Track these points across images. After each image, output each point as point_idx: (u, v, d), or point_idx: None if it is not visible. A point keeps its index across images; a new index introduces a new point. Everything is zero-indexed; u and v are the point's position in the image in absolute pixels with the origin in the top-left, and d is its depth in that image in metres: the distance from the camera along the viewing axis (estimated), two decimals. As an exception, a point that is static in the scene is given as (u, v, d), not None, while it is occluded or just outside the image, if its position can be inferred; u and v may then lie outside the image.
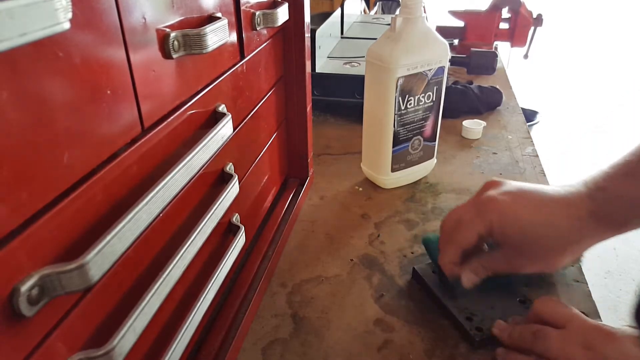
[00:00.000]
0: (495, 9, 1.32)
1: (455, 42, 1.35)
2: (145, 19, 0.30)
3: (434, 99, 0.68)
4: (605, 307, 1.73)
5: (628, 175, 0.42)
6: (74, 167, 0.25)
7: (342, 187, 0.75)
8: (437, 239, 0.53)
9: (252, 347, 0.47)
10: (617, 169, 0.43)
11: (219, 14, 0.39)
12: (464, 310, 0.49)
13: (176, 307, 0.38)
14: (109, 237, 0.25)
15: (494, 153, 0.84)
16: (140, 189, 0.30)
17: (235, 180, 0.43)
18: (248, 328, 0.49)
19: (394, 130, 0.67)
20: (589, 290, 0.53)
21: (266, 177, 0.60)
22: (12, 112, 0.21)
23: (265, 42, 0.53)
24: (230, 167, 0.45)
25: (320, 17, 1.06)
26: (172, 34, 0.32)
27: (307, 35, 0.61)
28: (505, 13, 1.34)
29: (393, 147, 0.69)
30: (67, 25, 0.20)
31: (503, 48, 1.43)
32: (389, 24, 0.70)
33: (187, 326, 0.35)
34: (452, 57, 0.98)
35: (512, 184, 0.47)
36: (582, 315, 0.42)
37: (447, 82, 0.76)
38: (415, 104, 0.67)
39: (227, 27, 0.37)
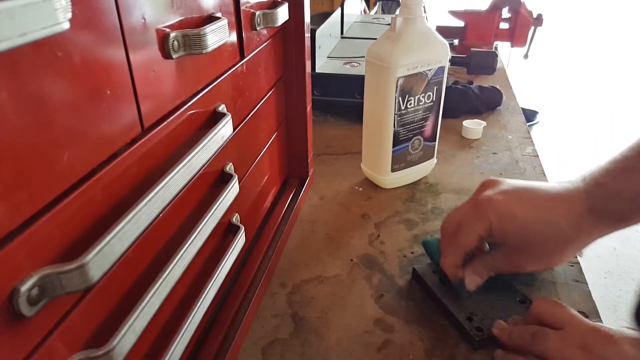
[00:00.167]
0: (495, 9, 1.32)
1: (455, 42, 1.35)
2: (145, 19, 0.30)
3: (434, 99, 0.68)
4: (605, 307, 1.73)
5: (627, 170, 0.42)
6: (74, 167, 0.25)
7: (342, 187, 0.75)
8: (437, 241, 0.53)
9: (252, 347, 0.47)
10: (616, 164, 0.43)
11: (219, 14, 0.39)
12: (464, 310, 0.49)
13: (176, 307, 0.38)
14: (109, 237, 0.25)
15: (494, 153, 0.84)
16: (140, 189, 0.30)
17: (235, 180, 0.43)
18: (248, 328, 0.49)
19: (394, 130, 0.67)
20: (589, 290, 0.53)
21: (266, 177, 0.60)
22: (12, 112, 0.21)
23: (265, 42, 0.53)
24: (230, 167, 0.45)
25: (320, 17, 1.06)
26: (172, 34, 0.32)
27: (307, 35, 0.61)
28: (505, 13, 1.34)
29: (393, 147, 0.69)
30: (66, 25, 0.20)
31: (503, 48, 1.43)
32: (389, 24, 0.70)
33: (187, 326, 0.35)
34: (452, 57, 0.98)
35: (509, 183, 0.47)
36: (581, 316, 0.42)
37: (447, 82, 0.76)
38: (415, 104, 0.67)
39: (227, 27, 0.37)
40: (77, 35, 0.24)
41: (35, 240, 0.22)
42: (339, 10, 1.18)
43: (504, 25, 1.35)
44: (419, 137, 0.71)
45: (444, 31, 1.34)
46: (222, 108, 0.42)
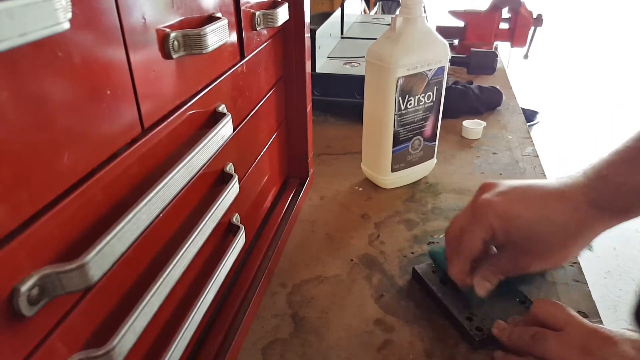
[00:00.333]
0: (495, 9, 1.32)
1: (455, 42, 1.35)
2: (145, 19, 0.30)
3: (434, 99, 0.68)
4: (605, 307, 1.73)
5: (630, 161, 0.41)
6: (74, 167, 0.25)
7: (342, 187, 0.75)
8: (443, 250, 0.52)
9: (252, 347, 0.47)
10: (618, 155, 0.42)
11: (219, 14, 0.39)
12: (464, 310, 0.49)
13: (176, 307, 0.38)
14: (109, 237, 0.25)
15: (494, 153, 0.84)
16: (140, 189, 0.30)
17: (235, 180, 0.43)
18: (248, 328, 0.49)
19: (394, 130, 0.67)
20: (589, 290, 0.53)
21: (266, 177, 0.60)
22: (12, 112, 0.21)
23: (265, 42, 0.53)
24: (230, 167, 0.45)
25: (320, 17, 1.06)
26: (172, 34, 0.32)
27: (307, 35, 0.61)
28: (505, 13, 1.34)
29: (393, 147, 0.69)
30: (66, 25, 0.20)
31: (503, 48, 1.43)
32: (389, 24, 0.70)
33: (187, 326, 0.35)
34: (452, 57, 0.98)
35: (506, 184, 0.47)
36: (581, 317, 0.42)
37: (447, 82, 0.76)
38: (415, 104, 0.67)
39: (227, 27, 0.37)
40: (77, 35, 0.24)
41: (36, 240, 0.22)
42: (339, 10, 1.18)
43: (504, 25, 1.35)
44: (419, 137, 0.71)
45: (444, 31, 1.34)
46: (222, 108, 0.42)
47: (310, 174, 0.72)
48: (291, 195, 0.68)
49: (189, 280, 0.40)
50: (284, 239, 0.61)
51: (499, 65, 1.24)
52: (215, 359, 0.43)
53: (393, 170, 0.71)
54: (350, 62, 1.00)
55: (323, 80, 0.94)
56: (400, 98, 0.65)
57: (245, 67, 0.48)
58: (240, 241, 0.45)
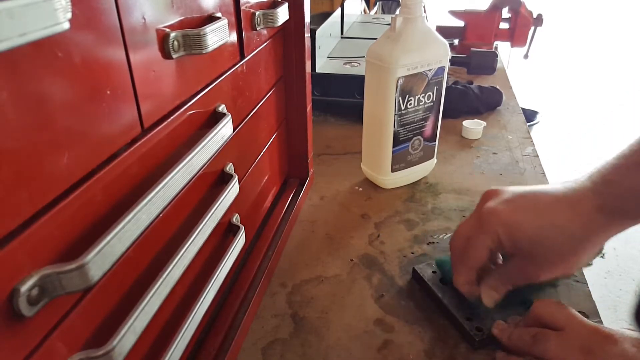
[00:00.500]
0: (495, 9, 1.32)
1: (455, 42, 1.35)
2: (145, 19, 0.30)
3: (434, 99, 0.68)
4: (605, 307, 1.73)
5: (637, 165, 0.40)
6: (73, 167, 0.25)
7: (342, 187, 0.75)
8: (450, 259, 0.51)
9: (252, 347, 0.47)
10: (625, 159, 0.41)
11: (219, 14, 0.39)
12: (464, 310, 0.49)
13: (176, 307, 0.38)
14: (109, 238, 0.25)
15: (494, 153, 0.84)
16: (140, 189, 0.30)
17: (235, 180, 0.43)
18: (248, 328, 0.49)
19: (394, 131, 0.67)
20: (589, 290, 0.53)
21: (266, 177, 0.60)
22: (12, 112, 0.21)
23: (265, 42, 0.53)
24: (230, 167, 0.45)
25: (320, 17, 1.06)
26: (172, 34, 0.32)
27: (307, 35, 0.61)
28: (505, 13, 1.34)
29: (393, 147, 0.69)
30: (66, 25, 0.20)
31: (503, 48, 1.43)
32: (389, 24, 0.70)
33: (187, 326, 0.35)
34: (452, 57, 0.98)
35: (511, 191, 0.46)
36: (581, 317, 0.42)
37: (447, 82, 0.76)
38: (415, 104, 0.67)
39: (227, 27, 0.37)
40: (77, 35, 0.24)
41: (35, 240, 0.22)
42: (339, 10, 1.18)
43: (504, 25, 1.35)
44: (419, 137, 0.71)
45: (444, 31, 1.34)
46: (222, 108, 0.42)
47: (310, 174, 0.72)
48: (291, 195, 0.68)
49: (189, 280, 0.40)
50: (284, 239, 0.61)
51: (499, 65, 1.24)
52: (215, 359, 0.43)
53: (393, 170, 0.71)
54: (350, 62, 1.00)
55: (323, 80, 0.94)
56: (400, 98, 0.65)
57: (245, 67, 0.48)
58: (240, 241, 0.45)
